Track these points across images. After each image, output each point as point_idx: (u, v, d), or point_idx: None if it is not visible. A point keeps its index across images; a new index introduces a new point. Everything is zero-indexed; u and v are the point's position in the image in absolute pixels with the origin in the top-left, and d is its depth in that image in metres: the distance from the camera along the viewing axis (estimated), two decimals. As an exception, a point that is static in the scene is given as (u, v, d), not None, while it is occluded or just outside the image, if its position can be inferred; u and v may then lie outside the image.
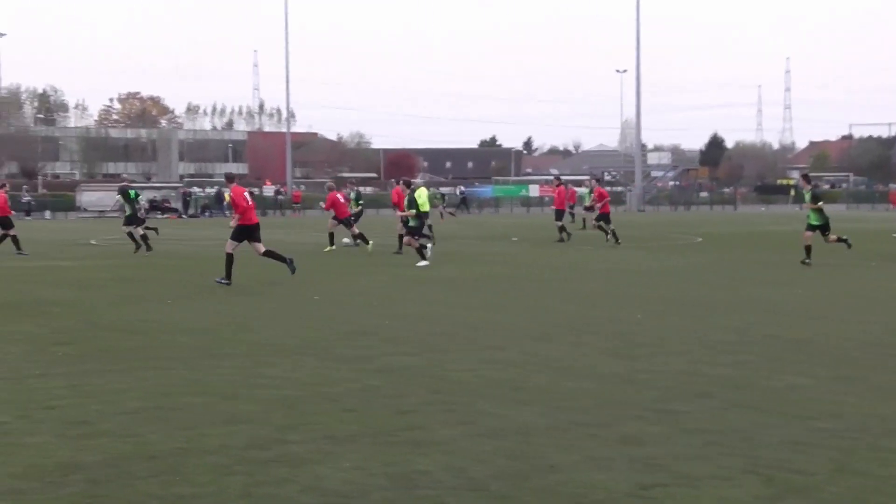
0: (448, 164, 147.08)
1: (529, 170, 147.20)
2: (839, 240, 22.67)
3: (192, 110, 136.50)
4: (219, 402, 8.39)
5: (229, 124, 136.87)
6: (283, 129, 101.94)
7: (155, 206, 68.52)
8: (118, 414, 7.92)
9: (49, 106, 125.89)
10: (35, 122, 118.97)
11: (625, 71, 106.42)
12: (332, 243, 28.68)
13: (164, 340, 11.82)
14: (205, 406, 8.21)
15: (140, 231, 27.66)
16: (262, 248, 19.01)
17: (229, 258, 18.33)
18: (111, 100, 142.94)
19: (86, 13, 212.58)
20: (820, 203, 22.36)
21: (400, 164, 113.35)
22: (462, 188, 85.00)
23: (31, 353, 10.95)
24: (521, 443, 7.05)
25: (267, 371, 9.75)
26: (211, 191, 75.22)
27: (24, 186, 75.68)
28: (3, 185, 29.76)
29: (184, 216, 66.90)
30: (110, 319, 13.76)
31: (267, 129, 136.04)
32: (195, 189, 77.04)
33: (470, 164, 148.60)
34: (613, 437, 7.20)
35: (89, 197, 72.04)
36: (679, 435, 7.23)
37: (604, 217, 31.22)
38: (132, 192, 28.34)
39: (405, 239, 24.03)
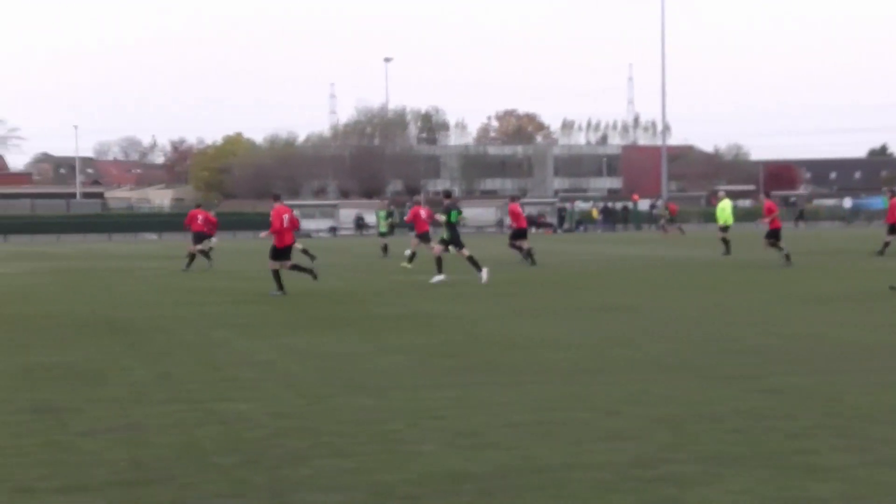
0: (833, 175, 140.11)
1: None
2: None
3: (567, 126, 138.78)
4: (601, 418, 8.33)
5: (603, 139, 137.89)
6: (658, 143, 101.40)
7: (531, 221, 70.26)
8: (504, 426, 8.05)
9: (431, 125, 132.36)
10: (418, 141, 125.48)
11: None
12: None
13: (543, 355, 11.96)
14: (588, 421, 8.18)
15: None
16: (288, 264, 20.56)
17: (275, 273, 20.21)
18: (489, 118, 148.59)
19: (463, 36, 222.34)
20: None
21: (780, 176, 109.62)
22: (849, 199, 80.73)
23: (419, 364, 11.41)
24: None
25: (648, 388, 9.59)
26: (585, 206, 76.09)
27: (407, 203, 79.95)
28: (200, 206, 31.47)
29: (559, 231, 68.08)
30: (491, 333, 14.13)
31: (641, 142, 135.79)
32: (569, 204, 78.22)
33: (857, 175, 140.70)
34: None
35: (468, 213, 75.10)
36: None
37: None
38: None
39: (435, 248, 23.87)
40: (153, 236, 76.84)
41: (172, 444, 7.58)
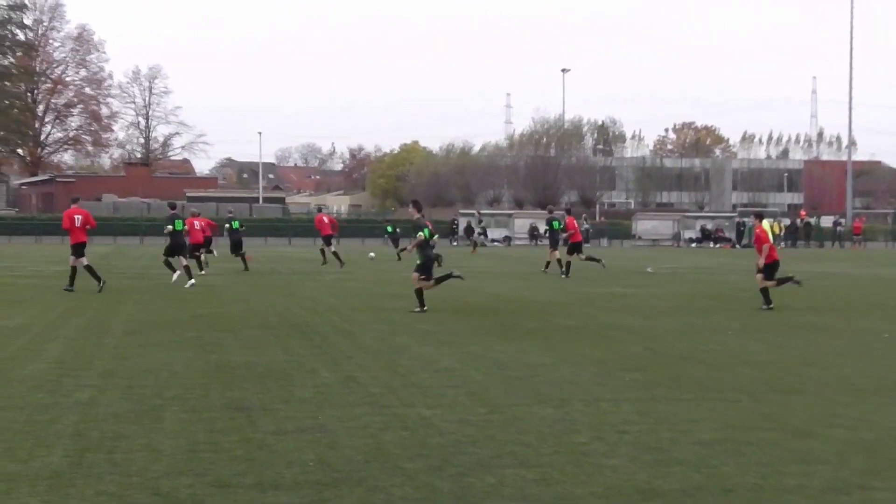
0: None
1: None
2: None
3: (747, 139, 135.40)
4: (792, 439, 8.08)
5: (785, 153, 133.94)
6: (843, 158, 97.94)
7: (707, 235, 68.89)
8: (691, 443, 7.89)
9: (607, 137, 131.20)
10: (594, 152, 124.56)
11: None
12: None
13: (729, 371, 11.69)
14: (778, 442, 7.95)
15: None
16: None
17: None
18: (666, 130, 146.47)
19: (640, 48, 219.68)
20: None
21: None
22: None
23: (601, 376, 11.30)
24: None
25: (841, 411, 9.25)
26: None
27: (584, 215, 79.49)
28: (198, 214, 31.92)
29: (737, 245, 66.54)
30: (674, 347, 13.89)
31: (825, 157, 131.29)
32: (747, 219, 76.27)
33: None
34: None
35: (644, 225, 74.11)
36: None
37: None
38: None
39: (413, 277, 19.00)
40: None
41: (359, 447, 7.71)
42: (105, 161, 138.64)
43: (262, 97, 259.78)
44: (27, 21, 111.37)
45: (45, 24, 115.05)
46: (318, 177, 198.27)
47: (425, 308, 18.21)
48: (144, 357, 12.29)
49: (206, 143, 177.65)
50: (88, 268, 22.54)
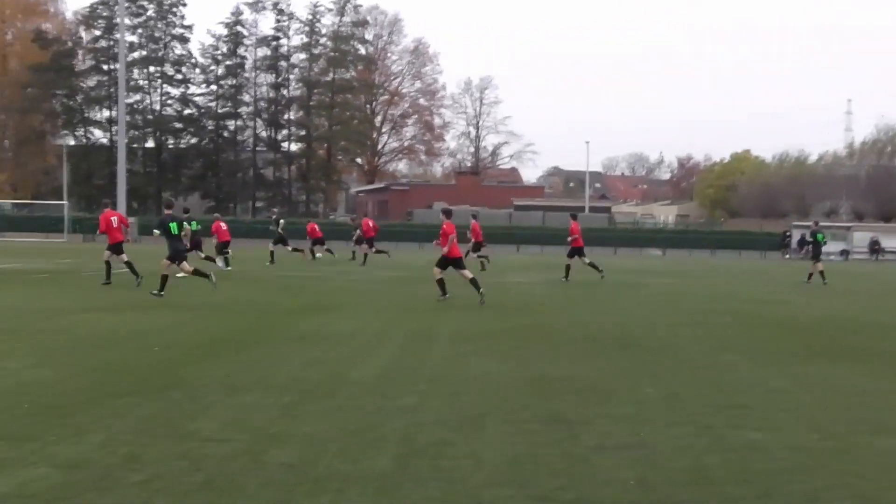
0: None
1: None
2: None
3: None
4: None
5: None
6: None
7: None
8: None
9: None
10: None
11: None
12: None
13: None
14: None
15: None
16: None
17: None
18: None
19: None
20: None
21: None
22: None
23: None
24: None
25: None
26: None
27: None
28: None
29: None
30: None
31: None
32: None
33: None
34: None
35: None
36: None
37: None
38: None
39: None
40: (658, 252, 77.76)
41: (681, 468, 7.48)
42: (436, 169, 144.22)
43: (589, 106, 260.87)
44: (368, 36, 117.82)
45: (384, 38, 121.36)
46: (644, 186, 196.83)
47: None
48: (468, 365, 12.54)
49: (534, 153, 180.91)
50: (128, 263, 25.00)
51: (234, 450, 7.70)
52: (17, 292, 22.48)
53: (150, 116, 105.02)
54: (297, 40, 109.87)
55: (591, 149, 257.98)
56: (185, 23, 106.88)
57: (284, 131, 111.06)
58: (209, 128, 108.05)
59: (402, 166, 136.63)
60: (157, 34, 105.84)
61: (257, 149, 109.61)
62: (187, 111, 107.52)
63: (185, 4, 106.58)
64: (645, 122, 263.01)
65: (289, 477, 6.99)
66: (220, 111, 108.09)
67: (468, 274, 22.59)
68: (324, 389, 10.44)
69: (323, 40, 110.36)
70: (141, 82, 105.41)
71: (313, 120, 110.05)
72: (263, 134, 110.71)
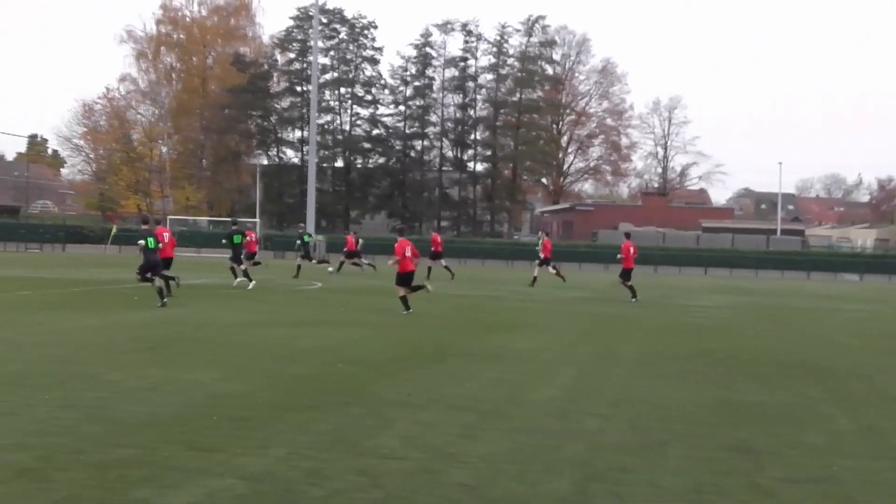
0: None
1: None
2: None
3: None
4: None
5: None
6: None
7: None
8: None
9: None
10: None
11: None
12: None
13: None
14: None
15: None
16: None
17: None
18: None
19: None
20: None
21: None
22: None
23: None
24: None
25: None
26: None
27: None
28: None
29: None
30: None
31: None
32: None
33: None
34: None
35: None
36: None
37: None
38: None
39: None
40: (854, 277, 74.68)
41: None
42: (623, 190, 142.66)
43: (783, 126, 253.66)
44: (556, 56, 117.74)
45: (572, 58, 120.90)
46: (841, 208, 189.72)
47: None
48: (651, 389, 12.27)
49: (724, 173, 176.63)
50: (164, 277, 24.80)
51: (413, 468, 7.72)
52: (208, 305, 23.34)
53: (339, 136, 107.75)
54: (484, 61, 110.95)
55: (784, 169, 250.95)
56: (376, 45, 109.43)
57: (470, 151, 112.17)
58: (397, 147, 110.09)
59: (587, 186, 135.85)
60: (348, 56, 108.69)
61: (443, 168, 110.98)
62: (376, 131, 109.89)
63: (376, 27, 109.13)
64: (842, 142, 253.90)
65: (466, 497, 6.95)
66: (407, 131, 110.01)
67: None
68: (503, 410, 10.39)
69: (510, 61, 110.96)
70: (332, 103, 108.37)
71: (499, 140, 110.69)
72: (449, 154, 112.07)
